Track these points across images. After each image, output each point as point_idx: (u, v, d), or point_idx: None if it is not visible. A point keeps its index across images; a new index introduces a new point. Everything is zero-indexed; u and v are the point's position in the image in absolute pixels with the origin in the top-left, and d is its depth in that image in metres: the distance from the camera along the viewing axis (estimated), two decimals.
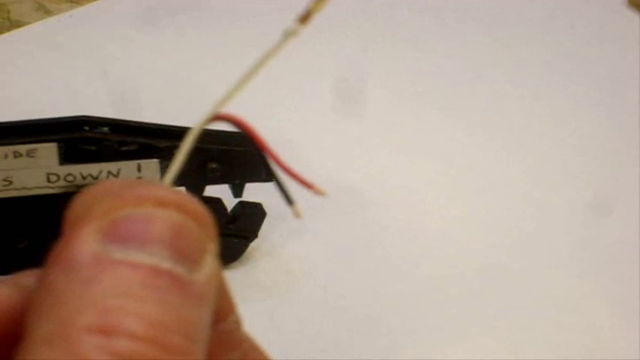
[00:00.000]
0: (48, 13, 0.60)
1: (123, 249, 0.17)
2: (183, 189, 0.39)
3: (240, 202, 0.41)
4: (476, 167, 0.49)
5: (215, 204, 0.40)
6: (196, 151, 0.39)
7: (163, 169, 0.38)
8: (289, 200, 0.21)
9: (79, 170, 0.37)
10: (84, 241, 0.17)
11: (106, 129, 0.37)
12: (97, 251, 0.17)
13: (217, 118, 0.20)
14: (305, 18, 0.21)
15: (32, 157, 0.36)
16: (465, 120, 0.53)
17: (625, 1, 0.63)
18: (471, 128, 0.52)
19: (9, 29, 0.58)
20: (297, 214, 0.21)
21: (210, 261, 0.18)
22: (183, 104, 0.51)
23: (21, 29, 0.58)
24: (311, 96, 0.53)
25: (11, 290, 0.19)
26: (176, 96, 0.52)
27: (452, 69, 0.57)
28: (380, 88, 0.54)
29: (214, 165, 0.39)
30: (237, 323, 0.21)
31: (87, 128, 0.37)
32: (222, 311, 0.20)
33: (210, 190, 0.40)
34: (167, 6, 0.58)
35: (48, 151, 0.37)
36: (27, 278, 0.19)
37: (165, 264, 0.17)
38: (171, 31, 0.58)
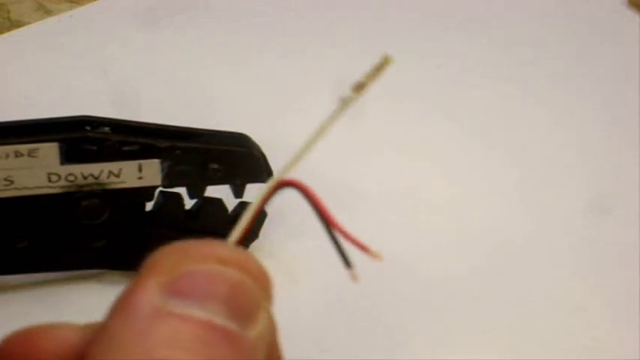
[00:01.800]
0: (48, 13, 0.60)
1: (181, 303, 0.18)
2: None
3: (241, 203, 0.41)
4: (475, 167, 0.49)
5: (216, 204, 0.40)
6: (197, 151, 0.39)
7: (164, 169, 0.38)
8: (348, 263, 0.22)
9: (80, 170, 0.37)
10: (145, 293, 0.18)
11: (107, 129, 0.37)
12: (157, 303, 0.18)
13: (283, 184, 0.21)
14: (359, 88, 0.21)
15: (33, 156, 0.36)
16: (465, 120, 0.53)
17: (625, 1, 0.63)
18: (471, 129, 0.52)
19: (9, 29, 0.58)
20: (354, 278, 0.22)
21: (263, 317, 0.19)
22: (183, 104, 0.51)
23: (21, 29, 0.58)
24: (311, 97, 0.53)
25: (82, 331, 0.20)
26: (176, 96, 0.52)
27: (451, 70, 0.57)
28: (381, 89, 0.54)
29: (215, 165, 0.39)
30: None
31: (88, 128, 0.37)
32: None
33: (211, 191, 0.40)
34: (166, 6, 0.58)
35: (49, 150, 0.37)
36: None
37: (219, 319, 0.18)
38: (170, 31, 0.58)
